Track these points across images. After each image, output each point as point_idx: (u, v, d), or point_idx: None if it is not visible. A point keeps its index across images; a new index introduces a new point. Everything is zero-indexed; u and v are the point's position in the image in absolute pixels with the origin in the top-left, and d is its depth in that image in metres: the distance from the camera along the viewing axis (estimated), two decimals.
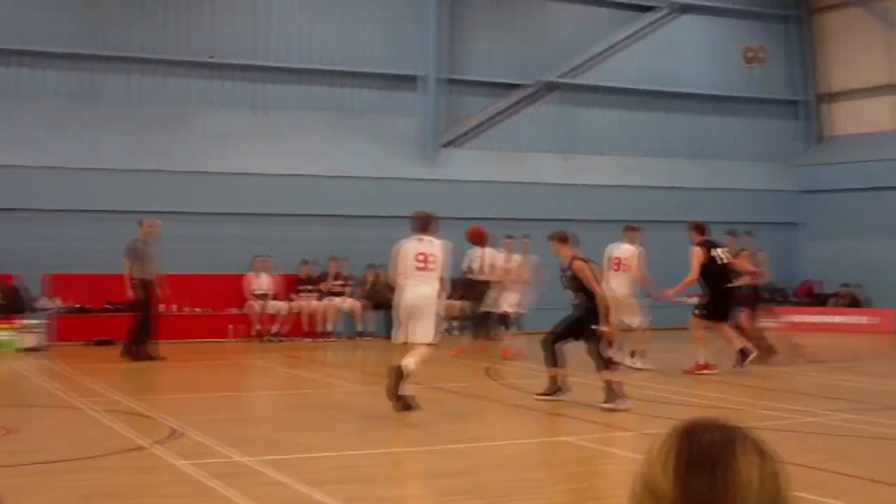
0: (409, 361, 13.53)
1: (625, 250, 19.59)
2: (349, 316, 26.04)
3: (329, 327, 25.62)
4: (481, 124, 29.24)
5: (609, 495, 9.60)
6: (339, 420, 14.03)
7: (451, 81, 28.76)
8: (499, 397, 16.18)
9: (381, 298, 26.25)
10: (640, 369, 19.14)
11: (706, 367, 18.47)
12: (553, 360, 15.15)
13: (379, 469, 10.73)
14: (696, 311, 18.83)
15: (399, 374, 13.54)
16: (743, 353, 18.78)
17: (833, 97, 33.19)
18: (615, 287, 18.52)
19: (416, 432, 13.01)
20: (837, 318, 28.40)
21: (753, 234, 21.64)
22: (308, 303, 25.58)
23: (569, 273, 14.96)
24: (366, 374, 20.13)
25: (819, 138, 33.53)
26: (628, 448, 11.63)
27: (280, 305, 25.26)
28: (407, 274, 14.03)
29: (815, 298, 30.77)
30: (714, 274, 18.42)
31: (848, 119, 32.71)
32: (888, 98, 31.41)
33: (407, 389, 13.60)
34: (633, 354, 19.60)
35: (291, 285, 25.78)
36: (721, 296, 18.59)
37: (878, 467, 10.83)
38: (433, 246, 14.19)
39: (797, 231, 32.24)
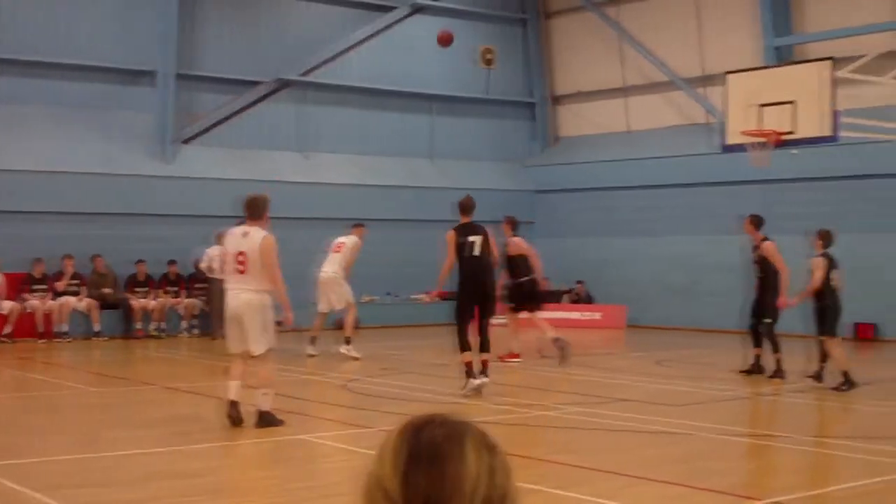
0: (260, 401, 12.74)
1: (349, 238, 21.53)
2: (84, 315, 25.33)
3: (64, 327, 24.86)
4: (220, 121, 28.88)
5: (345, 492, 9.67)
6: (74, 423, 13.72)
7: (189, 77, 28.30)
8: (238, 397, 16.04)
9: (106, 297, 25.64)
10: (313, 356, 20.47)
11: (516, 355, 20.05)
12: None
13: (117, 472, 10.52)
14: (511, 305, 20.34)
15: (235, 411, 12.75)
16: (557, 343, 19.85)
17: (567, 99, 34.19)
18: (329, 268, 20.89)
19: (154, 433, 12.80)
20: (572, 315, 29.28)
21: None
22: (42, 302, 24.77)
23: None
24: (100, 376, 19.65)
25: (553, 139, 34.52)
26: (365, 445, 11.74)
27: (11, 305, 24.36)
28: (227, 275, 13.08)
29: (550, 295, 31.64)
30: (513, 265, 20.03)
31: (581, 120, 33.76)
32: (619, 101, 32.59)
33: (264, 404, 12.79)
34: (312, 342, 20.69)
35: (22, 284, 24.89)
36: (520, 286, 20.12)
37: (603, 457, 11.25)
38: (251, 241, 12.78)
39: (532, 230, 33.09)
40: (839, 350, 16.55)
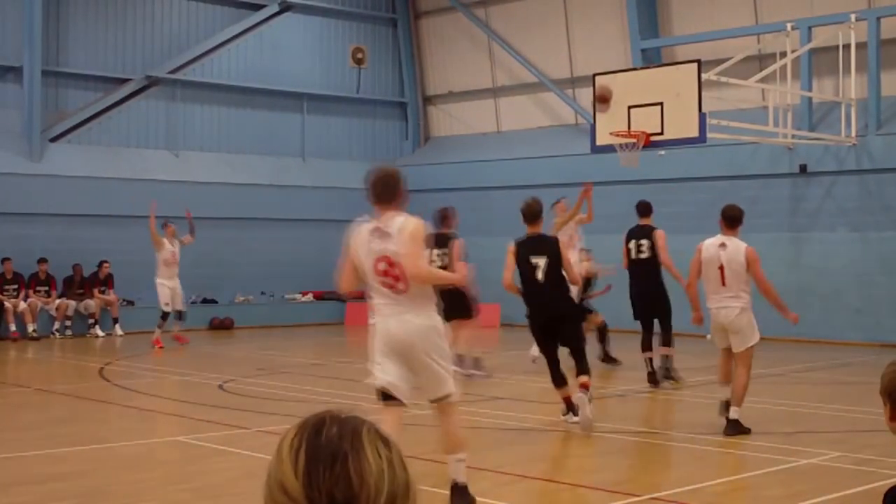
0: None
1: None
2: None
3: None
4: (89, 119, 28.40)
5: (224, 493, 9.64)
6: None
7: (56, 74, 27.79)
8: (113, 398, 15.87)
9: None
10: None
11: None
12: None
13: None
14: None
15: None
16: None
17: (438, 99, 34.33)
18: None
19: (24, 436, 12.58)
20: None
21: None
22: None
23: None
24: None
25: (425, 139, 34.64)
26: (244, 446, 11.69)
27: None
28: None
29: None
30: None
31: (452, 121, 33.94)
32: (490, 101, 32.83)
33: None
34: None
35: None
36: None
37: (480, 455, 11.33)
38: None
39: None
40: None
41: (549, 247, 13.25)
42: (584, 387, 12.72)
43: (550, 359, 13.39)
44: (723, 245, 12.47)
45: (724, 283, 12.32)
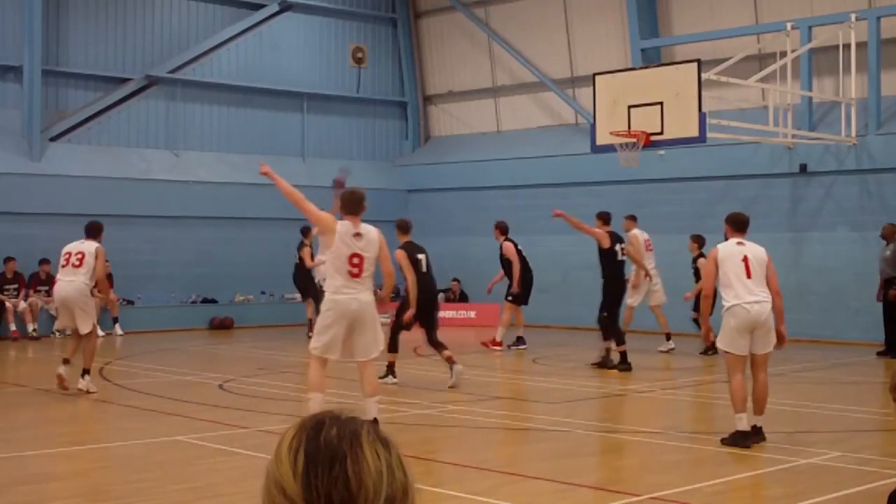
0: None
1: None
2: None
3: None
4: (89, 118, 28.35)
5: (224, 493, 9.64)
6: None
7: (56, 73, 27.76)
8: (112, 398, 15.86)
9: None
10: None
11: (499, 344, 22.98)
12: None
13: None
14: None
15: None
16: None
17: (438, 99, 34.32)
18: None
19: (23, 436, 12.58)
20: (447, 313, 29.40)
21: None
22: None
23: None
24: None
25: (425, 139, 34.63)
26: (244, 446, 11.70)
27: None
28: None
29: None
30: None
31: (452, 120, 33.93)
32: (490, 101, 32.82)
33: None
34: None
35: None
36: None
37: (479, 455, 11.35)
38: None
39: None
40: None
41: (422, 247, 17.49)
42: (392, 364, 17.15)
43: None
44: (741, 243, 12.12)
45: (749, 275, 11.73)
